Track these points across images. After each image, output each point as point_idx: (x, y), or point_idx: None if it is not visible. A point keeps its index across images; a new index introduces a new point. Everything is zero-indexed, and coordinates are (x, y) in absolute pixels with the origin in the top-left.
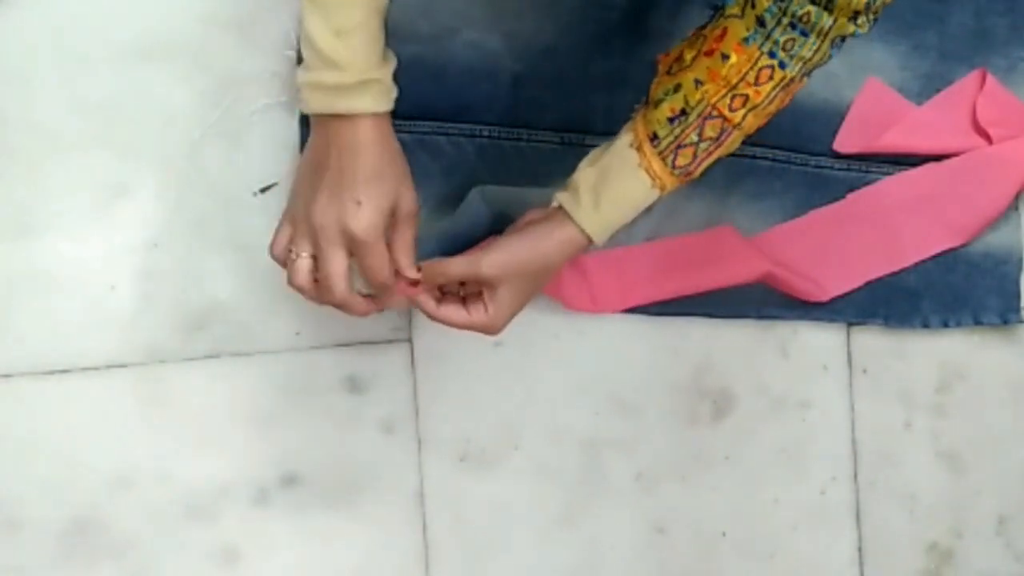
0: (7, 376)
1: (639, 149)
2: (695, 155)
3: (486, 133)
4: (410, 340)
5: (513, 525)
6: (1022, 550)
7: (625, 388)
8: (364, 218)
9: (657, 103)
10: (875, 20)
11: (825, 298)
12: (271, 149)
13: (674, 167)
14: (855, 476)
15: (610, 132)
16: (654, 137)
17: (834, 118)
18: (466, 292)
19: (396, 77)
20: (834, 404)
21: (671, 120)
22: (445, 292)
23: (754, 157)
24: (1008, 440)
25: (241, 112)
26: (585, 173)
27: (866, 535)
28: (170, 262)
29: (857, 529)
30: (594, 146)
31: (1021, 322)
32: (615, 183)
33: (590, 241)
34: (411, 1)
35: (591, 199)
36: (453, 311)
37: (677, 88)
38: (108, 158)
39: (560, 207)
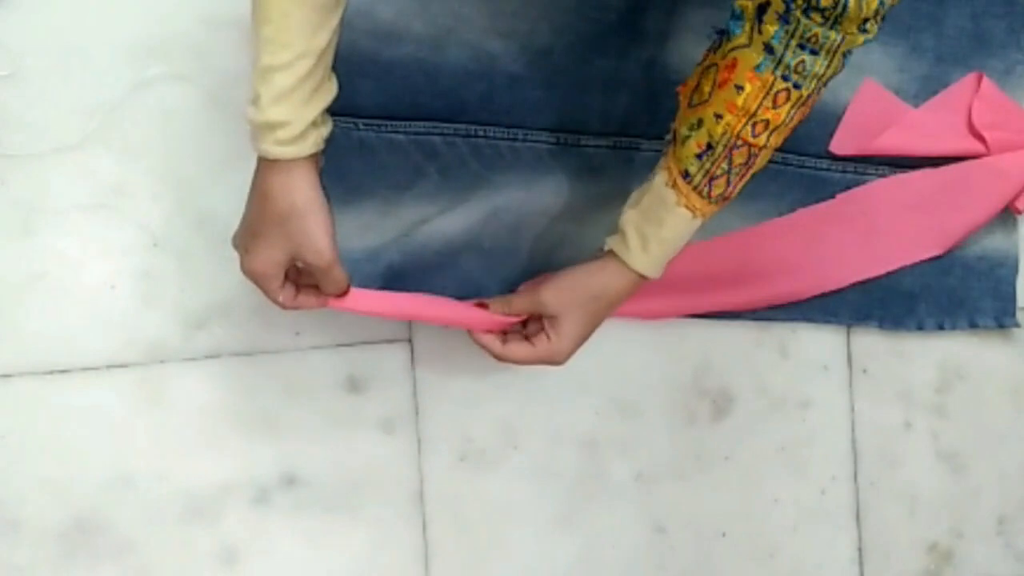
0: (7, 376)
1: (674, 187)
2: (728, 182)
3: (481, 133)
4: (410, 340)
5: (513, 525)
6: (1022, 550)
7: (625, 388)
8: (245, 265)
9: (684, 140)
10: (882, 21)
11: (803, 297)
12: None
13: (710, 197)
14: (855, 476)
15: (605, 132)
16: (686, 174)
17: (830, 119)
18: (529, 332)
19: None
20: (834, 404)
21: (699, 156)
22: (509, 333)
23: None
24: (1008, 440)
25: (241, 112)
26: (629, 215)
27: (866, 535)
28: (170, 262)
29: (857, 529)
30: (589, 146)
31: (1017, 326)
32: (659, 222)
33: (645, 278)
34: (407, 1)
35: (639, 241)
36: (517, 347)
37: (700, 123)
38: (108, 158)
39: (611, 251)
